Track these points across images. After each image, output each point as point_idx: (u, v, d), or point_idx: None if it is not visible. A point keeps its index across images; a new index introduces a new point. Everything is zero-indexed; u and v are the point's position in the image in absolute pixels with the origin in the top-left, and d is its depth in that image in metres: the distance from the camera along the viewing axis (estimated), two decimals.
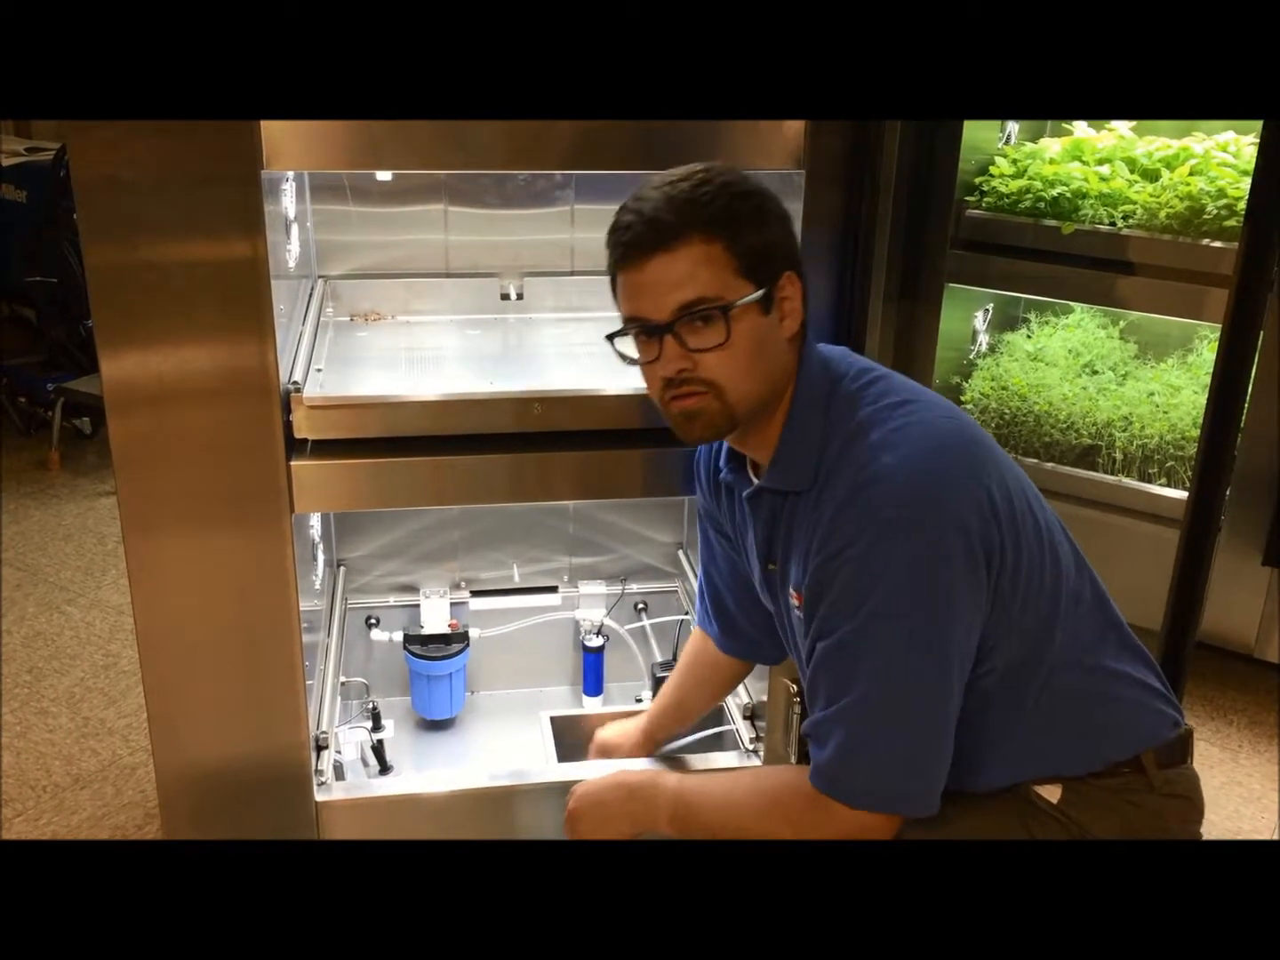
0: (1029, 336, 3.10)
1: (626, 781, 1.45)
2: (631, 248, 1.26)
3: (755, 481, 1.41)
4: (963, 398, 3.02)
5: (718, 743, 2.06)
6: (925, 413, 1.27)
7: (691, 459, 1.63)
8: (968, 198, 2.88)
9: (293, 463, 1.63)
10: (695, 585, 1.93)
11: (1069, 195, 2.74)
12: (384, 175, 2.16)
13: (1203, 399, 2.47)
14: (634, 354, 1.34)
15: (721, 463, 1.50)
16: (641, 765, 1.81)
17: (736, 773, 1.38)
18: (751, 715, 2.05)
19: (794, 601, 1.34)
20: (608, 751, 1.85)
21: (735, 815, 1.34)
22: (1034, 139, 3.08)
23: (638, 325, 1.30)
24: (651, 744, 1.84)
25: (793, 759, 1.90)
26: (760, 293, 1.26)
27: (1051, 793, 1.31)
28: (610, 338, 1.35)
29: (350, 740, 2.08)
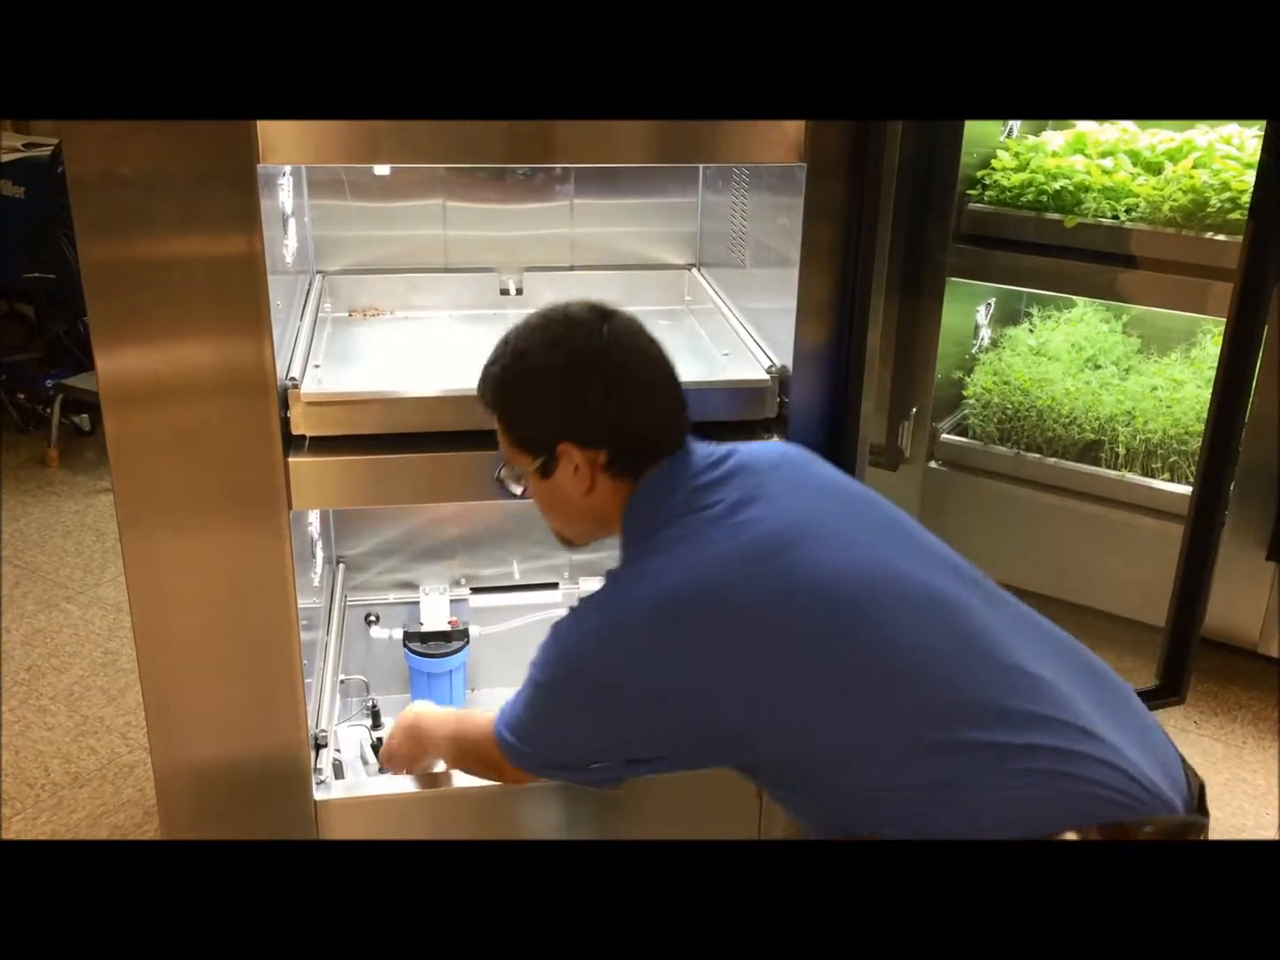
0: (1031, 331, 3.09)
1: (404, 724, 1.71)
2: None
3: None
4: (965, 393, 3.01)
5: None
6: (647, 584, 1.32)
7: None
8: (970, 191, 2.87)
9: (290, 459, 1.62)
10: None
11: (1072, 189, 2.73)
12: (382, 170, 2.15)
13: (1206, 393, 2.46)
14: None
15: None
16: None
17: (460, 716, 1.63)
18: None
19: None
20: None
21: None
22: (1036, 132, 3.07)
23: None
24: None
25: None
26: (537, 462, 1.42)
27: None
28: None
29: (350, 738, 2.08)
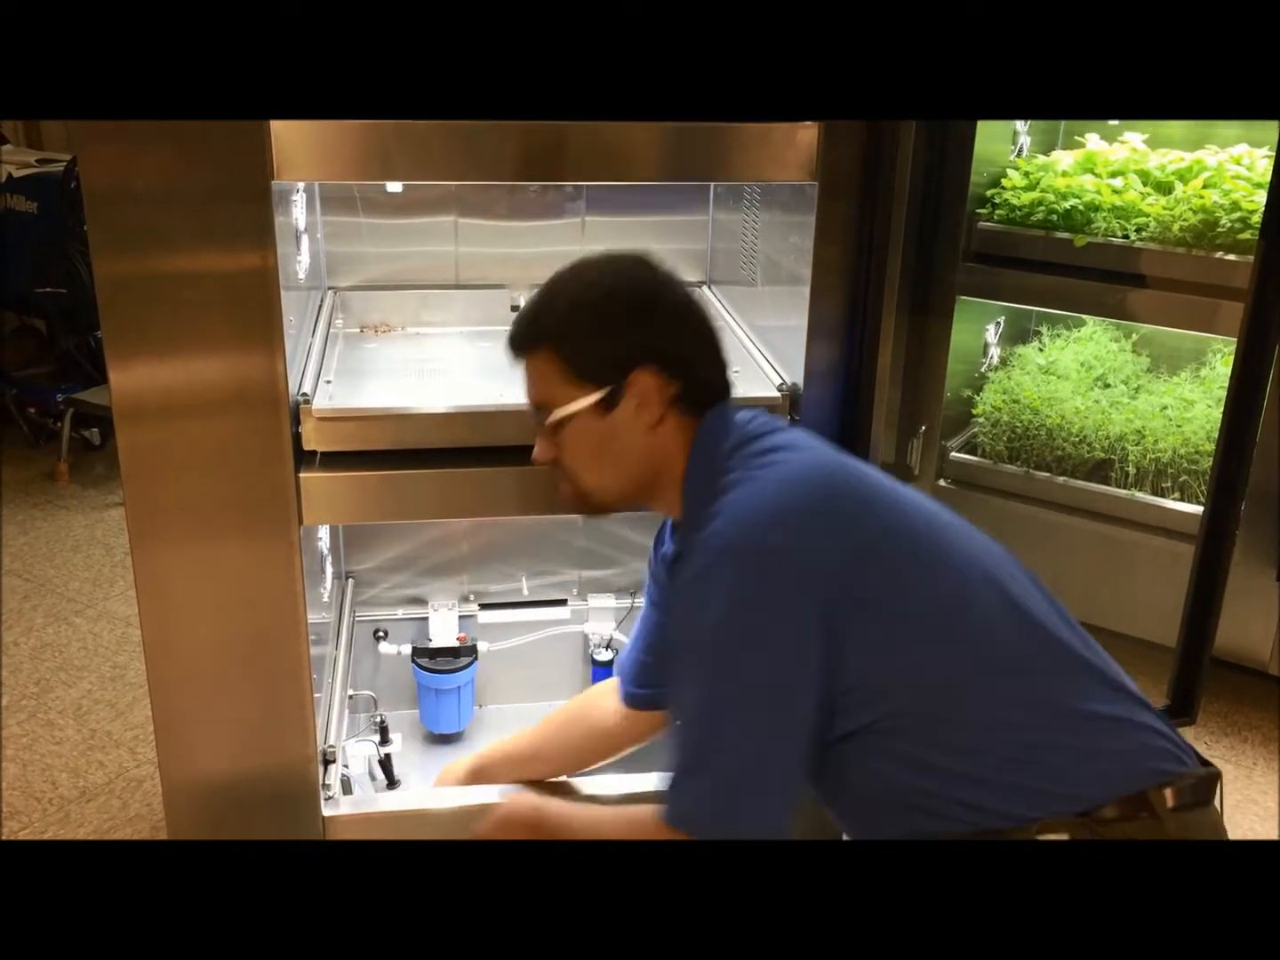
0: (1041, 349, 3.09)
1: (507, 818, 1.51)
2: (507, 348, 1.47)
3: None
4: (974, 411, 3.01)
5: None
6: (783, 465, 1.32)
7: None
8: (979, 210, 2.88)
9: (301, 475, 1.63)
10: None
11: (1081, 208, 2.73)
12: (394, 186, 2.16)
13: (1216, 413, 2.45)
14: None
15: (668, 534, 1.59)
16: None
17: (602, 808, 1.51)
18: None
19: None
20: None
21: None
22: (1046, 151, 3.08)
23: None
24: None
25: None
26: (601, 393, 1.36)
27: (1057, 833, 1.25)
28: None
29: (358, 754, 2.07)
